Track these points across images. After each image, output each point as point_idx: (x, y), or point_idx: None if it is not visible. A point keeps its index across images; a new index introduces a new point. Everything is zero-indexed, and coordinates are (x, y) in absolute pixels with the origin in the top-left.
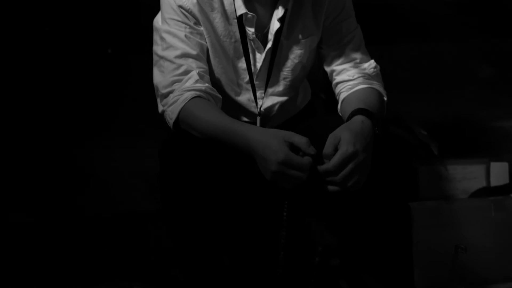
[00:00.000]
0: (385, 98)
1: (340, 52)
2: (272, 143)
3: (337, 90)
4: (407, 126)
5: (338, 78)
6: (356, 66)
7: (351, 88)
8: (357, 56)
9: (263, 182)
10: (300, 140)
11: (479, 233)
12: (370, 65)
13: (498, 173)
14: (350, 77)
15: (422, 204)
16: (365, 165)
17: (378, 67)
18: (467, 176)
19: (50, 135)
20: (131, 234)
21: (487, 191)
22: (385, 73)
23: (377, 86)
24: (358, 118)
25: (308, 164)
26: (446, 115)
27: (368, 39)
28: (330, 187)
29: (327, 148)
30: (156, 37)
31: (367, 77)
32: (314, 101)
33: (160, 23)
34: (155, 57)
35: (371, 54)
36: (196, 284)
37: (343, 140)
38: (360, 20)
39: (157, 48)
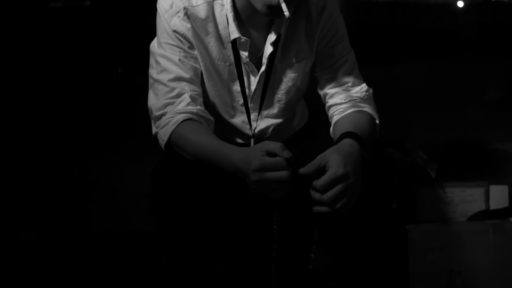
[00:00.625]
0: (377, 121)
1: (332, 76)
2: (247, 157)
3: (329, 113)
4: (405, 149)
5: (330, 101)
6: (348, 89)
7: (343, 111)
8: (349, 80)
9: (253, 199)
10: (274, 145)
11: (477, 256)
12: (361, 88)
13: (497, 196)
14: (342, 100)
15: (419, 226)
16: (355, 188)
17: (371, 90)
18: (465, 199)
19: (62, 153)
20: (139, 252)
21: (485, 215)
22: (401, 93)
23: (369, 109)
24: (347, 141)
25: (283, 162)
26: (452, 136)
27: (379, 59)
28: (318, 208)
29: (309, 166)
30: (151, 61)
31: (359, 100)
32: (312, 123)
33: (156, 47)
34: (150, 80)
35: (386, 74)
36: None
37: (333, 161)
38: (368, 41)
39: (152, 72)
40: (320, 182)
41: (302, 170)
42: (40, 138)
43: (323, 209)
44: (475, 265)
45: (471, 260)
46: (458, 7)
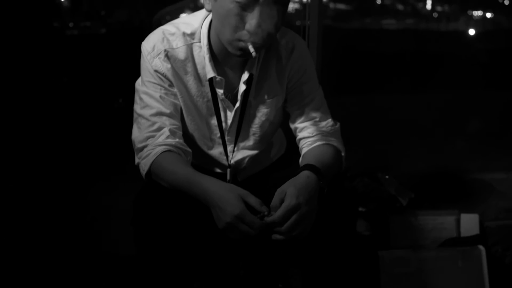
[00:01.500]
0: (343, 154)
1: (302, 111)
2: (229, 196)
3: (299, 146)
4: (377, 179)
5: (300, 135)
6: (315, 124)
7: (310, 144)
8: (317, 115)
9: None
10: (255, 201)
11: (446, 282)
12: (328, 123)
13: (468, 224)
14: (310, 134)
15: (390, 252)
16: (309, 216)
17: (337, 124)
18: (437, 227)
19: (62, 179)
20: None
21: (455, 242)
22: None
23: (334, 142)
24: (304, 173)
25: (259, 224)
26: (435, 166)
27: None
28: (276, 236)
29: (274, 201)
30: (136, 97)
31: (325, 134)
32: (291, 153)
33: (140, 84)
34: (134, 115)
35: (369, 103)
36: None
37: (288, 194)
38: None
39: (136, 107)
40: (276, 214)
41: (272, 205)
42: (43, 164)
43: (280, 237)
44: None
45: (440, 286)
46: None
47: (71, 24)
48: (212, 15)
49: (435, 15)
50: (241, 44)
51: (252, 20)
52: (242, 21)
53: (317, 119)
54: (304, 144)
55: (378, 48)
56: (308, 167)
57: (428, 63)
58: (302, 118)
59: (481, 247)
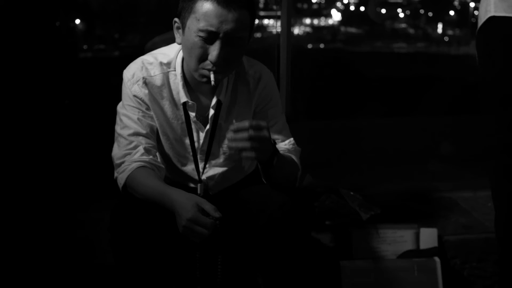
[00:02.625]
0: (300, 169)
1: None
2: (186, 203)
3: None
4: (340, 195)
5: None
6: (277, 143)
7: None
8: (279, 136)
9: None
10: (209, 207)
11: None
12: (289, 141)
13: (427, 238)
14: None
15: (351, 263)
16: (267, 144)
17: (297, 148)
18: (397, 240)
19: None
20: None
21: (414, 254)
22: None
23: (294, 157)
24: None
25: (210, 224)
26: (406, 185)
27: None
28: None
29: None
30: (117, 118)
31: (286, 151)
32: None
33: (120, 107)
34: (115, 134)
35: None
36: None
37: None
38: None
39: (117, 127)
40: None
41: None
42: (42, 182)
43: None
44: None
45: None
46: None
47: (85, 47)
48: (182, 47)
49: (446, 39)
50: (205, 72)
51: (213, 51)
52: (205, 52)
53: (279, 140)
54: None
55: (383, 72)
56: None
57: (433, 86)
58: None
59: (436, 258)
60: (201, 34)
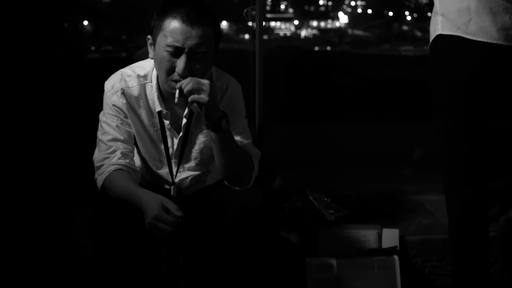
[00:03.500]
0: (255, 168)
1: None
2: (152, 203)
3: None
4: (307, 197)
5: None
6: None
7: None
8: (239, 137)
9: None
10: (172, 206)
11: (365, 286)
12: (247, 143)
13: (389, 238)
14: None
15: (316, 259)
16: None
17: (254, 148)
18: (360, 239)
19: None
20: None
21: (375, 252)
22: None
23: (250, 154)
24: None
25: (172, 221)
26: (378, 188)
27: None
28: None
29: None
30: (99, 125)
31: (244, 147)
32: None
33: (102, 115)
34: (97, 139)
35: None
36: None
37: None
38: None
39: (98, 133)
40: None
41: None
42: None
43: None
44: None
45: None
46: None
47: (92, 48)
48: (154, 61)
49: None
50: (173, 84)
51: (180, 64)
52: (172, 65)
53: (240, 140)
54: None
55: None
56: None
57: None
58: None
59: (395, 257)
60: (169, 49)
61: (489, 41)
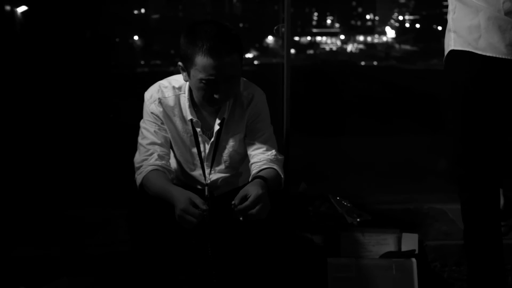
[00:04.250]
0: (282, 176)
1: (254, 143)
2: (181, 197)
3: (251, 169)
4: (330, 201)
5: (252, 160)
6: (263, 153)
7: (258, 167)
8: (265, 146)
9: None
10: (199, 200)
11: (383, 287)
12: (272, 153)
13: (408, 242)
14: (258, 160)
15: (337, 259)
16: (267, 203)
17: (280, 156)
18: (380, 242)
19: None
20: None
21: (393, 254)
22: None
23: (276, 167)
24: (257, 180)
25: (198, 213)
26: (399, 197)
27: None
28: (247, 217)
29: (237, 197)
30: (139, 131)
31: (269, 161)
32: None
33: (142, 122)
34: (137, 144)
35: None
36: None
37: (252, 189)
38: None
39: (139, 138)
40: (249, 200)
41: (236, 201)
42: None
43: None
44: None
45: None
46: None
47: (142, 62)
48: (189, 83)
49: None
50: (212, 104)
51: (216, 93)
52: (208, 93)
53: (265, 149)
54: (254, 167)
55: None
56: (258, 177)
57: None
58: (254, 147)
59: (413, 259)
60: (203, 81)
61: (498, 56)
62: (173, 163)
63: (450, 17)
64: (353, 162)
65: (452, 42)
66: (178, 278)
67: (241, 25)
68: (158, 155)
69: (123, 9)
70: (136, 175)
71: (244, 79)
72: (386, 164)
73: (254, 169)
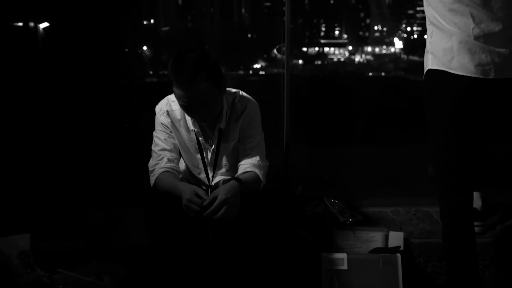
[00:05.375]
0: (262, 180)
1: (243, 148)
2: (186, 189)
3: (237, 169)
4: (324, 202)
5: (239, 163)
6: (249, 158)
7: (242, 170)
8: (251, 152)
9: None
10: (202, 192)
11: (371, 279)
12: (256, 159)
13: (394, 239)
14: (244, 163)
15: (330, 254)
16: (232, 206)
17: (263, 163)
18: (369, 239)
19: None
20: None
21: (380, 250)
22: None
23: (257, 171)
24: (232, 181)
25: (200, 202)
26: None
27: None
28: (215, 217)
29: (208, 198)
30: (153, 140)
31: (253, 165)
32: None
33: (154, 131)
34: (151, 151)
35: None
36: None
37: (221, 192)
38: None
39: (152, 146)
40: (214, 204)
41: (205, 203)
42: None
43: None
44: (369, 285)
45: (366, 281)
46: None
47: (150, 72)
48: None
49: None
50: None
51: (194, 115)
52: (188, 113)
53: (251, 154)
54: (239, 169)
55: None
56: (235, 179)
57: None
58: (243, 153)
59: (398, 255)
60: (182, 106)
61: (468, 75)
62: (182, 167)
63: (428, 40)
64: (350, 168)
65: (429, 62)
66: (189, 269)
67: (249, 35)
68: (168, 159)
69: (133, 20)
70: (150, 178)
71: (241, 92)
72: (381, 171)
73: (239, 171)
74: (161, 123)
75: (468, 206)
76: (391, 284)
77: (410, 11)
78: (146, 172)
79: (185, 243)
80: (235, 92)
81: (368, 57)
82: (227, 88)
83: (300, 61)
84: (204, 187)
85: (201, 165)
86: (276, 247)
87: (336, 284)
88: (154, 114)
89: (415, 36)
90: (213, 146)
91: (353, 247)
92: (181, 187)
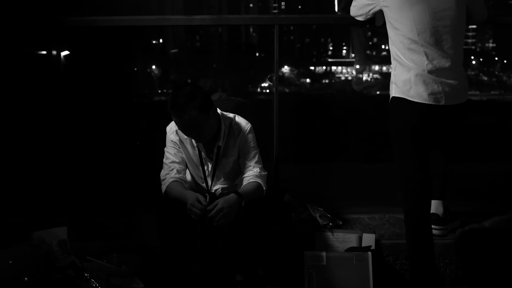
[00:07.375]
0: (264, 188)
1: (244, 163)
2: (191, 196)
3: (242, 181)
4: (306, 208)
5: (243, 175)
6: (251, 170)
7: (246, 181)
8: (252, 165)
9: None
10: (202, 198)
11: (346, 273)
12: (257, 170)
13: (367, 240)
14: (247, 175)
15: (311, 252)
16: (228, 214)
17: (263, 172)
18: (345, 240)
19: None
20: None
21: (355, 249)
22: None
23: (259, 181)
24: (231, 194)
25: (201, 207)
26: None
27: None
28: (214, 223)
29: (212, 206)
30: (164, 155)
31: (255, 176)
32: None
33: (165, 147)
34: (163, 163)
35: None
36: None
37: (219, 202)
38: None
39: (164, 159)
40: (212, 212)
41: (209, 208)
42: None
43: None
44: (344, 278)
45: (342, 275)
46: None
47: (159, 91)
48: None
49: None
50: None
51: (189, 138)
52: (185, 134)
53: (252, 167)
54: (244, 180)
55: None
56: (235, 192)
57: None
58: (244, 166)
59: (369, 252)
60: (179, 128)
61: (423, 102)
62: (188, 177)
63: (392, 73)
64: (336, 182)
65: (393, 91)
66: (194, 267)
67: (257, 54)
68: (177, 170)
69: (143, 40)
70: (162, 185)
71: (237, 116)
72: (364, 185)
73: (243, 182)
74: (171, 140)
75: (426, 211)
76: (362, 277)
77: None
78: (158, 183)
79: (189, 240)
80: (232, 117)
81: (376, 75)
82: (225, 113)
83: (308, 80)
84: (207, 194)
85: (203, 175)
86: (266, 245)
87: (314, 276)
88: (163, 133)
89: None
90: (213, 161)
91: (331, 247)
92: (187, 194)
